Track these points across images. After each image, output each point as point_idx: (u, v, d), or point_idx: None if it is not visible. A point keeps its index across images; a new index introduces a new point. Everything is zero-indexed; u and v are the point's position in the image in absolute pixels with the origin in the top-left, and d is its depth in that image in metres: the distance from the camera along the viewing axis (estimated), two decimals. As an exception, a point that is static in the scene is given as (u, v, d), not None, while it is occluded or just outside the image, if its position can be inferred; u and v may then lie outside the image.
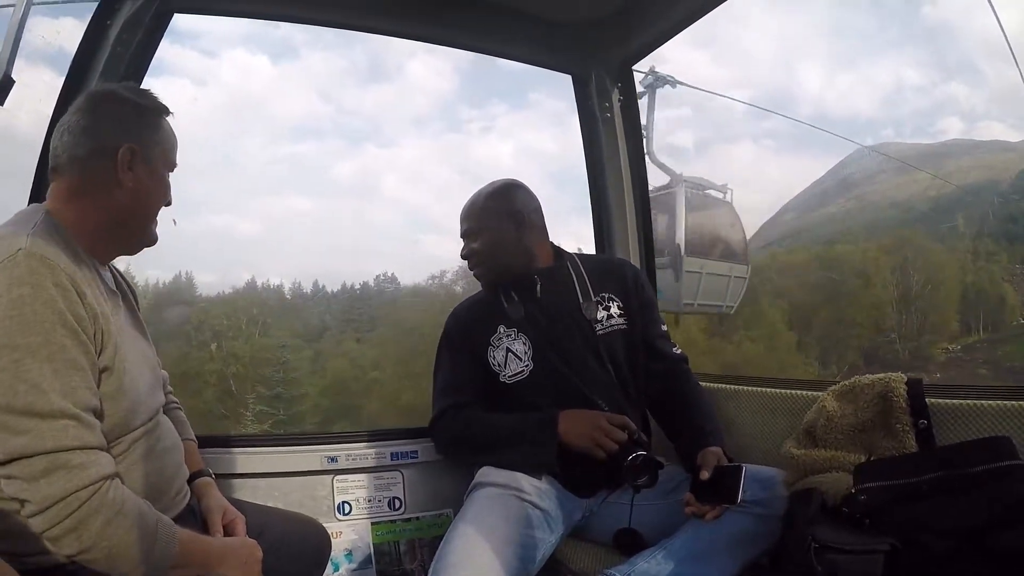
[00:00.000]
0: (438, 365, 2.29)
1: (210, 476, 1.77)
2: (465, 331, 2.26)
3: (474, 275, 2.34)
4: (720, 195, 16.07)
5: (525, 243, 2.26)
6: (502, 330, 2.20)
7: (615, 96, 2.90)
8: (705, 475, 1.85)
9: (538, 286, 2.23)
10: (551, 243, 2.37)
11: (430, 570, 1.72)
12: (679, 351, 2.33)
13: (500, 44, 2.82)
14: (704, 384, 2.41)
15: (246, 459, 2.26)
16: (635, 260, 2.89)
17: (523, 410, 2.09)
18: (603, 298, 2.25)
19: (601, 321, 2.22)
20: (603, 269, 2.34)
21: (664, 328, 2.34)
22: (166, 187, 1.55)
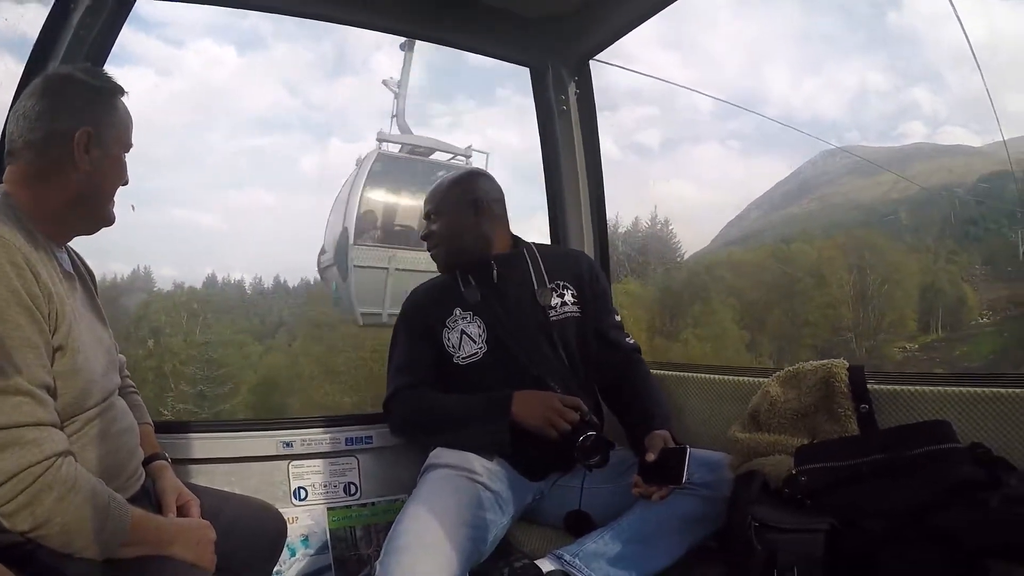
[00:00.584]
0: (393, 345, 2.30)
1: (166, 460, 1.76)
2: (421, 312, 2.28)
3: (431, 255, 2.37)
4: (464, 160, 14.48)
5: (483, 229, 2.30)
6: (458, 312, 2.21)
7: (571, 89, 2.93)
8: (651, 457, 1.89)
9: (494, 271, 2.26)
10: (510, 232, 2.40)
11: (382, 550, 1.72)
12: (632, 341, 2.38)
13: (460, 36, 2.83)
14: (655, 371, 2.45)
15: (202, 444, 2.26)
16: (589, 252, 2.93)
17: (476, 392, 2.11)
18: (558, 285, 2.30)
19: (555, 308, 2.25)
20: (559, 258, 2.38)
21: (618, 319, 2.39)
22: (122, 168, 1.55)
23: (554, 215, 2.96)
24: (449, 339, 2.20)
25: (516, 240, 2.40)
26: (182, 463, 2.01)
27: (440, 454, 2.05)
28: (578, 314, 2.28)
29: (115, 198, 1.56)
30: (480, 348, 2.17)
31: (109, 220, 1.56)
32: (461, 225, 2.30)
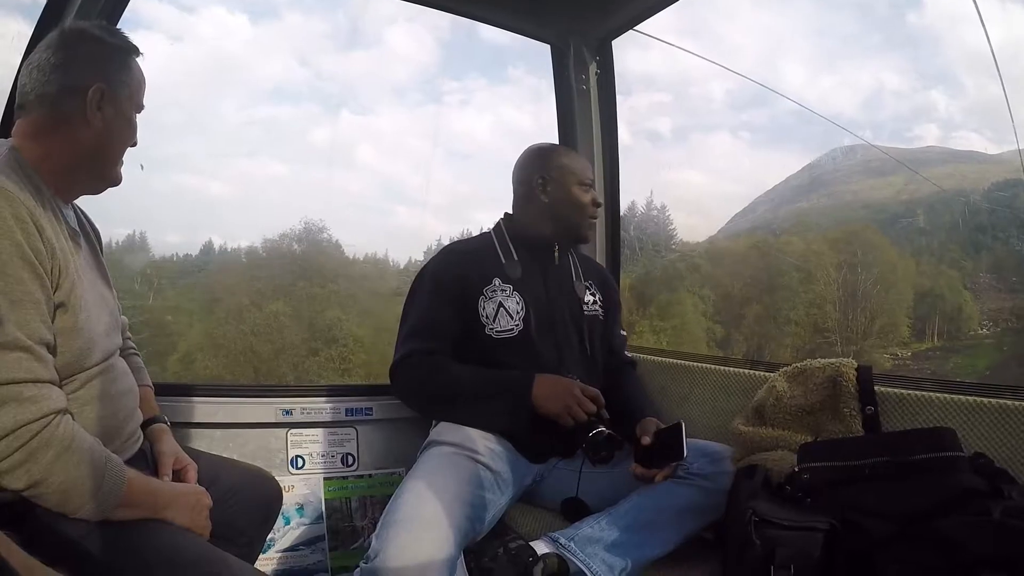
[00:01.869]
0: (412, 304, 2.21)
1: (165, 423, 1.75)
2: (459, 274, 2.19)
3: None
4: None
5: (536, 209, 2.31)
6: (497, 283, 2.17)
7: (592, 69, 2.90)
8: (647, 440, 1.91)
9: (556, 253, 2.29)
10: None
11: (379, 524, 1.71)
12: (630, 356, 2.48)
13: (482, 9, 2.80)
14: (661, 359, 2.51)
15: (202, 408, 2.26)
16: (600, 244, 2.94)
17: (501, 368, 2.09)
18: (590, 284, 2.35)
19: (588, 304, 2.29)
20: (589, 264, 2.47)
21: (623, 333, 2.48)
22: (133, 128, 1.53)
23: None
24: (485, 309, 2.14)
25: None
26: (181, 427, 2.01)
27: (442, 431, 2.04)
28: (601, 316, 2.33)
29: (124, 159, 1.55)
30: (516, 325, 2.13)
31: (116, 180, 1.54)
32: (520, 203, 2.35)
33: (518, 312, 2.15)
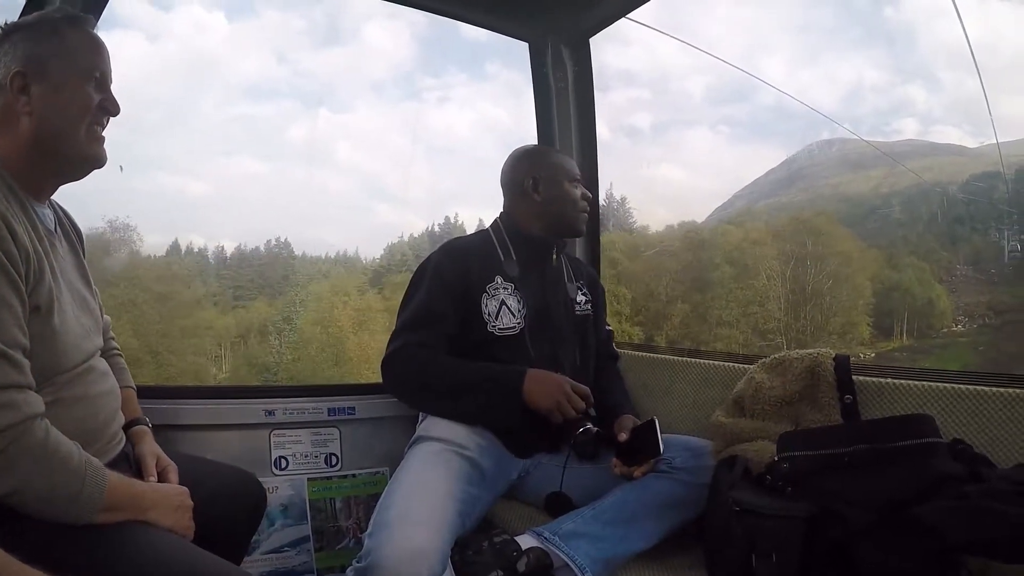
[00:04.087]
0: (411, 297, 2.21)
1: (147, 425, 1.74)
2: (461, 269, 2.19)
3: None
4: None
5: (530, 210, 2.33)
6: (499, 281, 2.19)
7: (570, 67, 2.92)
8: (623, 436, 1.93)
9: (554, 254, 2.32)
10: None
11: (371, 522, 1.71)
12: (614, 351, 2.54)
13: (460, 8, 2.80)
14: (642, 354, 2.54)
15: (184, 410, 2.26)
16: (580, 252, 2.96)
17: (500, 364, 2.10)
18: (580, 284, 2.40)
19: (579, 304, 2.34)
20: (578, 263, 2.52)
21: (609, 329, 2.54)
22: (82, 96, 1.45)
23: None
24: (487, 306, 2.15)
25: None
26: (163, 429, 1.99)
27: (430, 427, 2.04)
28: (590, 315, 2.38)
29: (102, 135, 1.50)
30: (519, 323, 2.16)
31: (89, 158, 1.48)
32: (514, 204, 2.37)
33: (519, 311, 2.17)
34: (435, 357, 2.09)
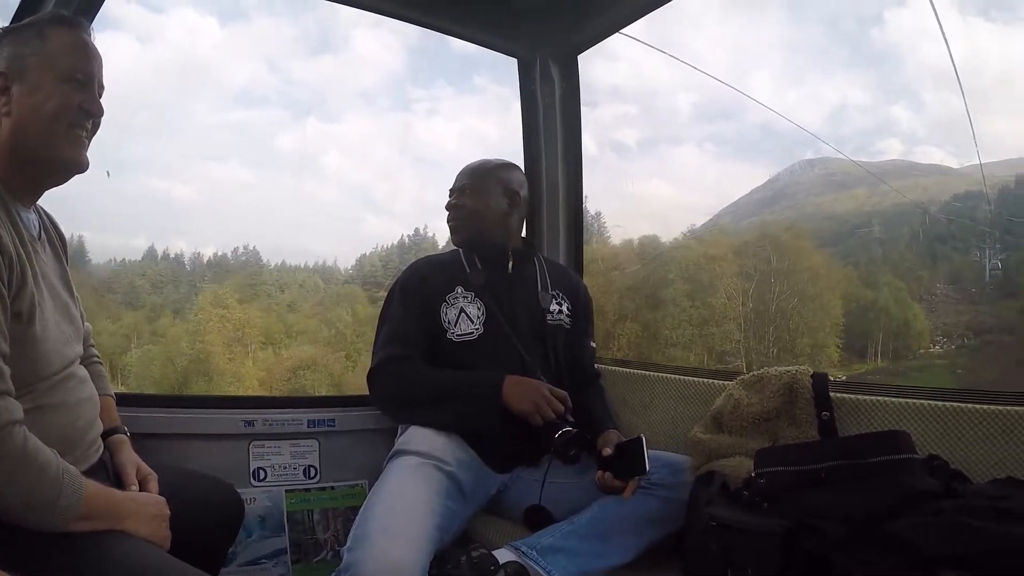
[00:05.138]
0: (386, 314, 2.31)
1: (125, 434, 1.74)
2: (422, 283, 2.29)
3: (451, 226, 2.41)
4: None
5: (510, 220, 2.40)
6: (460, 291, 2.25)
7: (558, 83, 2.93)
8: (608, 451, 1.92)
9: (511, 262, 2.34)
10: (523, 235, 2.53)
11: (351, 536, 1.71)
12: (597, 368, 2.52)
13: (447, 20, 2.81)
14: (622, 370, 2.56)
15: (163, 419, 2.24)
16: (563, 246, 2.99)
17: (467, 370, 2.15)
18: (558, 294, 2.39)
19: (552, 313, 2.34)
20: (562, 273, 2.51)
21: (593, 345, 2.51)
22: (59, 97, 1.42)
23: (531, 208, 2.93)
24: (447, 314, 2.22)
25: (528, 242, 2.51)
26: (142, 438, 1.97)
27: (409, 440, 2.05)
28: (568, 326, 2.37)
29: (87, 142, 1.48)
30: (476, 329, 2.20)
31: (66, 160, 1.47)
32: (493, 209, 2.37)
33: (478, 317, 2.21)
34: (416, 368, 2.15)
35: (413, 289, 2.28)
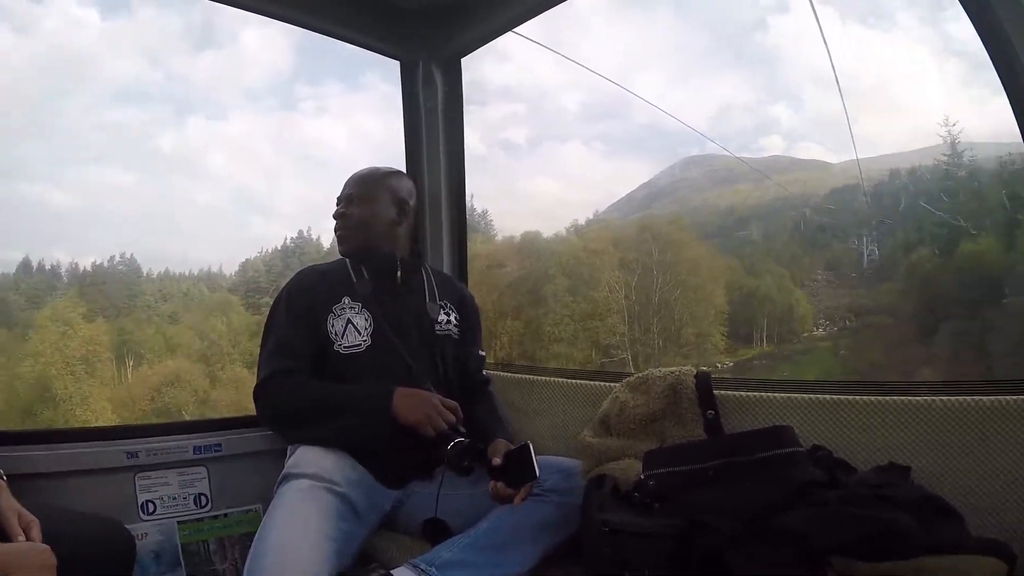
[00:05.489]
0: (271, 326, 2.25)
1: (1, 477, 1.64)
2: (308, 293, 2.25)
3: (338, 236, 2.36)
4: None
5: (398, 230, 2.37)
6: (347, 301, 2.22)
7: (440, 87, 2.93)
8: (497, 461, 1.92)
9: (399, 272, 2.31)
10: (414, 243, 2.51)
11: (245, 570, 1.67)
12: (486, 374, 2.48)
13: (331, 23, 2.77)
14: (509, 374, 2.61)
15: (41, 457, 2.14)
16: (446, 250, 2.98)
17: (351, 382, 2.12)
18: (445, 304, 2.38)
19: (440, 323, 2.33)
20: (448, 283, 2.51)
21: (482, 354, 2.49)
22: None
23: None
24: (333, 326, 2.19)
25: (417, 251, 2.52)
26: (19, 479, 1.87)
27: (298, 461, 1.99)
28: (457, 336, 2.37)
29: None
30: (364, 340, 2.18)
31: None
32: (382, 218, 2.34)
33: (366, 328, 2.19)
34: (303, 383, 2.12)
35: (298, 299, 2.24)
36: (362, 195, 2.35)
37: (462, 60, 2.96)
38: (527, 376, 2.58)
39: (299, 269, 2.42)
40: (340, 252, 2.37)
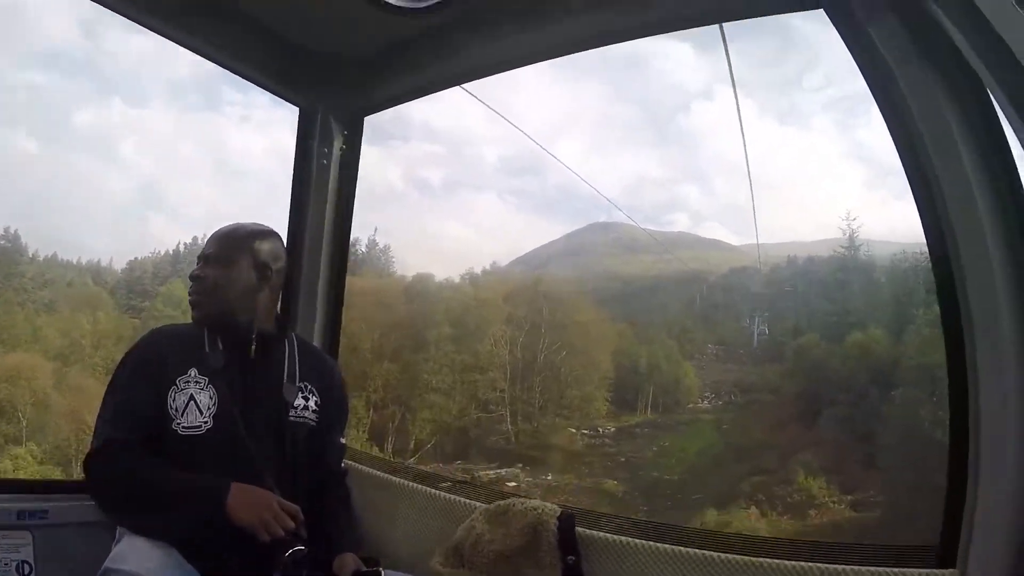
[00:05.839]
0: (113, 389, 2.04)
1: None
2: (158, 358, 2.04)
3: (191, 300, 2.15)
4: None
5: (259, 296, 2.16)
6: (193, 374, 2.02)
7: (337, 144, 2.77)
8: None
9: (253, 346, 2.12)
10: (278, 309, 2.28)
11: None
12: (344, 466, 2.31)
13: (224, 54, 2.62)
14: (372, 471, 2.48)
15: None
16: (318, 332, 2.78)
17: (187, 468, 1.92)
18: (305, 387, 2.18)
19: (296, 408, 2.13)
20: (316, 361, 2.30)
21: (343, 442, 2.32)
22: None
23: (287, 283, 2.56)
24: (174, 401, 1.98)
25: (281, 322, 2.28)
26: None
27: (122, 555, 1.82)
28: (314, 424, 2.17)
29: None
30: (205, 422, 1.98)
31: None
32: (241, 283, 2.13)
33: (209, 408, 2.00)
34: (137, 461, 1.93)
35: (146, 364, 2.05)
36: (220, 256, 2.15)
37: (366, 118, 2.82)
38: (387, 475, 2.45)
39: (153, 328, 2.24)
40: (192, 319, 2.16)
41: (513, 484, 21.74)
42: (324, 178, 2.77)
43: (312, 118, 2.77)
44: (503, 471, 22.96)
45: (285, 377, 2.14)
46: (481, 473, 22.44)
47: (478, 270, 31.40)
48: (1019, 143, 1.43)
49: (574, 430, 25.86)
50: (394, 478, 2.41)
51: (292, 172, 2.83)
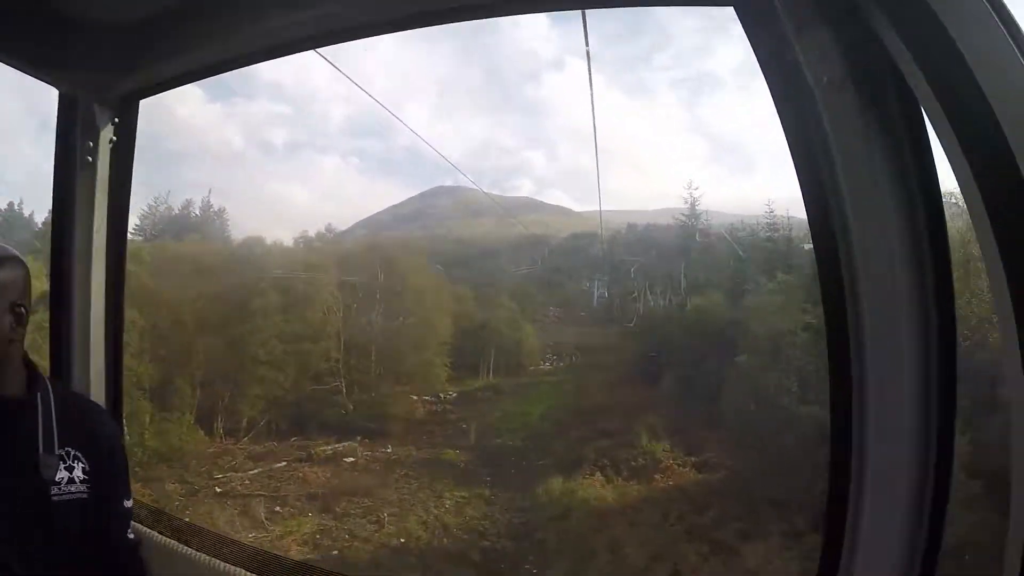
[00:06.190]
0: None
1: None
2: None
3: None
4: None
5: (11, 350, 1.69)
6: None
7: (106, 133, 2.31)
8: None
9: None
10: (26, 356, 1.77)
11: None
12: (133, 536, 1.92)
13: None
14: (177, 547, 2.18)
15: None
16: (96, 361, 2.35)
17: None
18: (67, 454, 1.75)
19: (60, 484, 1.71)
20: (79, 416, 1.84)
21: (128, 504, 1.92)
22: None
23: (58, 280, 2.33)
24: None
25: (33, 374, 1.78)
26: None
27: None
28: (86, 496, 1.75)
29: None
30: None
31: None
32: None
33: None
34: None
35: None
36: None
37: (141, 102, 2.38)
38: (196, 553, 2.12)
39: None
40: None
41: (351, 460, 21.27)
42: (91, 174, 2.32)
43: (72, 104, 2.29)
44: (340, 446, 22.53)
45: (42, 447, 1.70)
46: (319, 450, 22.20)
47: (312, 233, 29.90)
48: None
49: (415, 397, 25.35)
50: (205, 556, 2.10)
51: (53, 169, 2.34)
